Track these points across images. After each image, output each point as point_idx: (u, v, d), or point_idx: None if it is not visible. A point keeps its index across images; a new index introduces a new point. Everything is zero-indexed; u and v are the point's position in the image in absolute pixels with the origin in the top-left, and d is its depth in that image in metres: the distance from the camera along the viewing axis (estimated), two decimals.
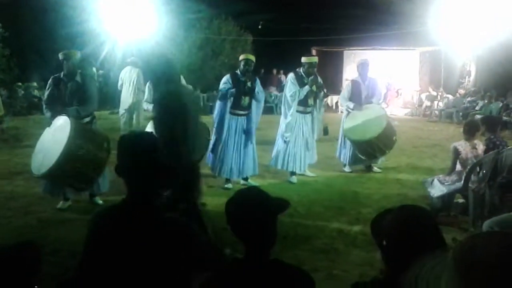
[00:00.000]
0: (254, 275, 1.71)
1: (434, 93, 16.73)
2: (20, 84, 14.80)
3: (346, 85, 7.35)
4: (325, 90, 6.85)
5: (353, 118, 6.92)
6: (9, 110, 12.07)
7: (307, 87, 6.39)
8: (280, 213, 1.78)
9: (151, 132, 1.97)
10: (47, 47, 13.02)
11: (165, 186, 1.91)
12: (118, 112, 10.50)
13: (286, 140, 6.53)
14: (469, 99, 15.10)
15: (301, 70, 6.52)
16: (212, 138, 6.16)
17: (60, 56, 5.29)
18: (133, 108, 9.70)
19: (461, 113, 14.28)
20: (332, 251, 4.09)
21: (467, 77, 17.05)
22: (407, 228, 1.63)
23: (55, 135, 4.79)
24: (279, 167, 6.62)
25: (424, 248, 1.58)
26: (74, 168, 4.58)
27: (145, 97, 5.95)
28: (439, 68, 17.89)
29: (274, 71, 19.49)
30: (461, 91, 16.47)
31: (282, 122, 6.63)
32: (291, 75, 6.58)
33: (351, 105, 7.00)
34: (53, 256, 3.86)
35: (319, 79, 6.62)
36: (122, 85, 9.82)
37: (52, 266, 3.44)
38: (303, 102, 6.49)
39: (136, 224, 1.79)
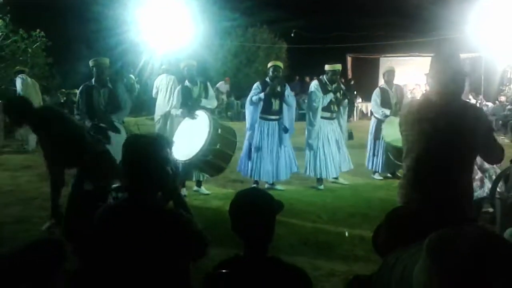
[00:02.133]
0: (253, 271, 1.80)
1: (474, 101, 16.27)
2: (63, 90, 15.43)
3: (375, 93, 7.32)
4: (349, 97, 6.85)
5: (392, 124, 6.80)
6: None
7: (330, 94, 6.45)
8: (276, 214, 1.86)
9: (158, 134, 2.10)
10: (88, 56, 13.56)
11: (163, 183, 2.03)
12: (153, 118, 10.78)
13: (312, 148, 6.58)
14: (509, 107, 14.63)
15: (324, 78, 6.58)
16: (246, 143, 6.39)
17: (91, 63, 5.48)
18: (168, 114, 9.93)
19: (500, 121, 13.85)
20: (352, 257, 4.09)
21: (508, 84, 16.52)
22: (395, 229, 1.68)
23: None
24: (309, 174, 6.68)
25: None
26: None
27: (174, 103, 6.17)
28: (479, 75, 17.41)
29: (307, 79, 19.48)
30: (502, 98, 15.97)
31: (307, 129, 6.70)
32: (314, 82, 6.66)
33: (388, 111, 6.97)
34: None
35: (342, 86, 6.70)
36: (157, 92, 10.07)
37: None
38: (327, 109, 6.55)
39: (139, 219, 1.91)
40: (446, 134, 2.57)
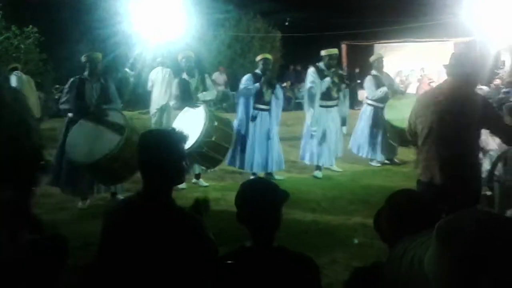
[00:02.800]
0: (260, 261, 1.80)
1: None
2: (58, 86, 15.34)
3: (368, 79, 7.33)
4: (347, 82, 6.83)
5: (394, 108, 6.79)
6: (45, 112, 12.51)
7: (328, 79, 6.44)
8: (282, 203, 1.86)
9: (173, 129, 2.08)
10: (81, 50, 13.44)
11: (180, 179, 2.02)
12: (148, 112, 10.75)
13: (313, 134, 6.58)
14: (504, 90, 14.65)
15: (321, 64, 6.57)
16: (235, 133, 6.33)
17: (83, 58, 5.46)
18: (164, 108, 9.90)
19: (495, 104, 13.86)
20: (353, 245, 4.11)
21: (502, 67, 16.55)
22: (398, 213, 1.69)
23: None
24: (307, 161, 6.68)
25: (417, 231, 1.63)
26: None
27: (173, 94, 6.16)
28: (474, 59, 17.41)
29: (299, 67, 19.29)
30: (497, 81, 15.99)
31: (308, 117, 6.68)
32: (311, 69, 6.63)
33: (384, 88, 6.99)
34: (84, 250, 4.03)
35: (340, 71, 6.72)
36: (152, 86, 10.03)
37: (83, 260, 3.60)
38: (326, 96, 6.53)
39: (152, 216, 1.90)
40: (454, 115, 3.11)
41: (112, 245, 1.97)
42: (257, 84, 6.20)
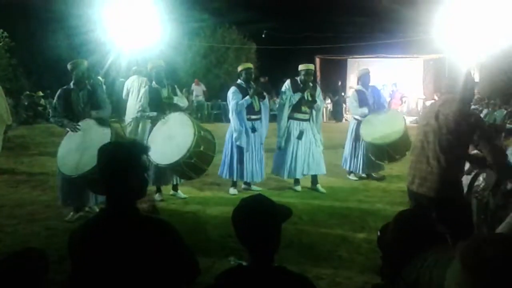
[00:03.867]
0: (259, 282, 1.74)
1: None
2: (27, 93, 14.95)
3: (351, 95, 7.40)
4: (321, 99, 6.81)
5: (370, 124, 6.85)
6: (15, 119, 12.16)
7: (299, 93, 6.44)
8: (284, 221, 1.82)
9: (134, 140, 2.03)
10: (53, 57, 13.16)
11: (141, 192, 1.96)
12: (122, 121, 10.54)
13: (280, 146, 6.57)
14: (473, 107, 15.08)
15: (299, 78, 6.60)
16: (231, 148, 6.34)
17: (69, 66, 5.34)
18: (140, 117, 9.71)
19: None
20: (336, 259, 4.09)
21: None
22: (405, 231, 1.68)
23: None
24: (275, 174, 6.70)
25: (423, 249, 1.63)
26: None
27: (141, 103, 6.03)
28: (443, 76, 17.91)
29: (262, 79, 19.32)
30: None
31: (277, 128, 6.69)
32: (287, 82, 6.67)
33: (366, 110, 7.02)
34: (60, 264, 3.88)
35: (318, 89, 6.70)
36: (128, 94, 9.85)
37: (59, 274, 3.46)
38: (296, 109, 6.50)
39: (117, 230, 1.83)
40: (442, 128, 3.34)
41: (83, 267, 1.88)
42: (248, 98, 6.21)
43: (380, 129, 6.66)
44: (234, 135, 6.26)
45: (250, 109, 6.31)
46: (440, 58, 17.62)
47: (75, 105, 5.25)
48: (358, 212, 5.54)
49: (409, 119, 17.01)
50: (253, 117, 6.35)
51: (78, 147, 4.92)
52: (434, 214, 3.14)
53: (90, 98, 5.31)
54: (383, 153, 6.63)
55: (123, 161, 1.86)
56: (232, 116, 6.35)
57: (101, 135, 4.87)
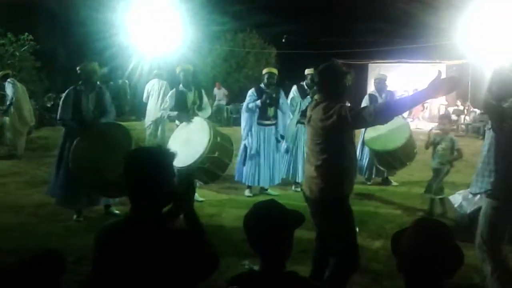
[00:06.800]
0: (269, 287, 1.74)
1: (461, 107, 16.47)
2: (50, 95, 15.24)
3: (364, 99, 7.36)
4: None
5: (374, 129, 6.81)
6: (38, 121, 12.41)
7: (308, 98, 6.40)
8: (296, 228, 1.81)
9: (160, 146, 2.01)
10: (77, 60, 13.38)
11: (168, 200, 1.91)
12: (140, 120, 10.68)
13: (288, 150, 6.60)
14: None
15: (305, 83, 6.61)
16: (241, 149, 6.42)
17: (79, 68, 5.34)
18: (160, 120, 9.83)
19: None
20: None
21: None
22: (424, 241, 1.64)
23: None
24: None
25: (441, 263, 1.59)
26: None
27: (167, 105, 6.11)
28: (466, 82, 17.62)
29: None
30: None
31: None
32: (294, 88, 6.71)
33: None
34: (78, 264, 3.94)
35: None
36: (148, 97, 9.97)
37: (77, 274, 3.51)
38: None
39: (143, 238, 1.79)
40: None
41: (105, 273, 1.85)
42: (258, 102, 6.24)
43: (383, 136, 6.59)
44: (242, 135, 6.31)
45: (263, 114, 6.32)
46: (463, 64, 17.33)
47: (84, 108, 5.24)
48: (376, 219, 5.48)
49: (431, 126, 16.87)
50: (265, 122, 6.36)
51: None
52: None
53: (98, 101, 5.31)
54: (382, 159, 6.55)
55: (151, 167, 1.82)
56: (242, 116, 6.43)
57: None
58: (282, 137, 6.47)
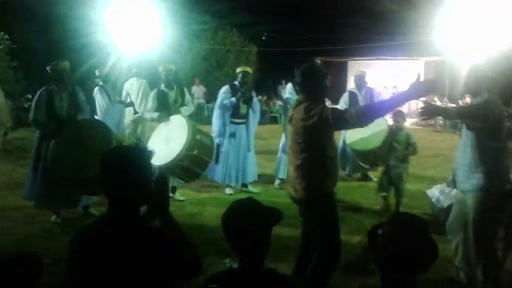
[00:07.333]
0: (247, 285, 1.75)
1: (439, 103, 16.70)
2: (28, 96, 14.94)
3: (343, 96, 7.42)
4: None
5: (355, 130, 6.84)
6: (14, 121, 12.17)
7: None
8: (274, 225, 1.82)
9: (137, 145, 1.99)
10: (54, 59, 13.16)
11: (146, 199, 1.88)
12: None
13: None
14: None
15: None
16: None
17: (49, 68, 5.24)
18: (139, 119, 9.74)
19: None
20: None
21: None
22: (399, 234, 1.67)
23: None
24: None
25: (416, 257, 1.62)
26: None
27: (149, 106, 6.10)
28: (444, 78, 17.90)
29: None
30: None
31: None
32: (288, 86, 6.81)
33: None
34: (57, 266, 3.89)
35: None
36: (126, 96, 9.86)
37: (55, 276, 3.46)
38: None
39: (121, 237, 1.78)
40: None
41: (83, 274, 1.81)
42: (233, 99, 6.27)
43: (362, 133, 6.64)
44: (213, 133, 6.29)
45: (235, 113, 6.35)
46: (441, 61, 17.61)
47: (58, 108, 5.15)
48: (356, 214, 5.55)
49: (409, 121, 17.08)
50: (236, 120, 6.40)
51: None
52: None
53: (71, 100, 5.24)
54: (364, 158, 6.60)
55: (130, 165, 1.80)
56: (214, 114, 6.42)
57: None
58: (248, 138, 6.50)
